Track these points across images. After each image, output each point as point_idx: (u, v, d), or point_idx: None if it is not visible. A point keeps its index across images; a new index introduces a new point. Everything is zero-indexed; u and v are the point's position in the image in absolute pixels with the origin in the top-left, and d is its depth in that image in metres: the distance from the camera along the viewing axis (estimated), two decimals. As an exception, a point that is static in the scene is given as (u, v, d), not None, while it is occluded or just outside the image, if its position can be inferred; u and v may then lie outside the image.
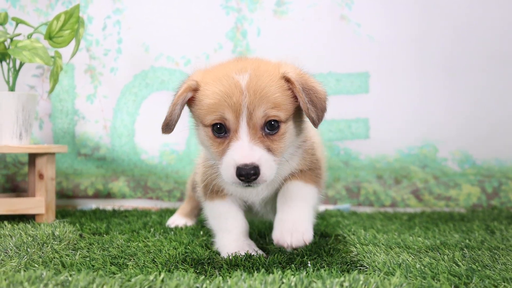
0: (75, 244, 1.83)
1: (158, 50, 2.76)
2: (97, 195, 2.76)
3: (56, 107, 2.73)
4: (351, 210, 2.74)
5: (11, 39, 2.30)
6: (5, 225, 2.05)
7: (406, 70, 2.77)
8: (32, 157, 2.39)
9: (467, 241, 1.87)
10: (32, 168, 2.41)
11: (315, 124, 1.51)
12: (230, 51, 2.76)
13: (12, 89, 2.34)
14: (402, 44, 2.77)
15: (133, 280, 1.29)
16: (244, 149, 1.44)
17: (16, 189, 2.73)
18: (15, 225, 2.07)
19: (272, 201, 1.73)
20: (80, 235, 1.99)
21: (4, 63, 2.40)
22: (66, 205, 2.75)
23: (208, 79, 1.54)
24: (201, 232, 2.03)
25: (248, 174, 1.40)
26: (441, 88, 2.77)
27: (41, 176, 2.30)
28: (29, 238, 1.81)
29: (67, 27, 2.27)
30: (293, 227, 1.53)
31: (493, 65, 2.73)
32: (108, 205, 2.75)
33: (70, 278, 1.30)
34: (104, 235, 2.01)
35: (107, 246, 1.79)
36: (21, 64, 2.33)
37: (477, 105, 2.75)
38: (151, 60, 2.76)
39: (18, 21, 2.34)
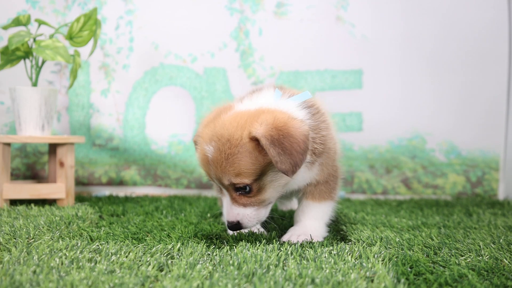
0: (96, 223, 2.07)
1: (167, 48, 3.00)
2: (110, 183, 3.00)
3: (73, 101, 2.97)
4: (345, 197, 2.99)
5: (34, 39, 2.54)
6: (32, 207, 2.30)
7: (397, 67, 3.01)
8: (53, 147, 2.64)
9: (445, 221, 2.11)
10: (52, 157, 2.65)
11: (288, 174, 1.51)
12: (233, 50, 3.00)
13: (35, 84, 2.58)
14: (393, 42, 3.01)
15: (154, 249, 1.54)
16: (227, 208, 1.65)
17: (35, 176, 2.97)
18: (41, 207, 2.31)
19: (287, 196, 1.92)
20: (100, 216, 2.23)
21: (27, 61, 2.63)
22: (82, 192, 2.99)
23: (199, 141, 1.68)
24: (208, 215, 2.28)
25: (232, 227, 1.63)
26: (429, 83, 3.01)
27: (61, 164, 2.54)
28: (57, 217, 2.05)
29: (86, 28, 2.51)
30: (302, 232, 1.77)
31: (476, 62, 2.97)
32: (120, 192, 2.99)
33: (100, 247, 1.55)
34: (121, 216, 2.26)
35: (125, 224, 2.03)
36: (43, 62, 2.57)
37: (462, 100, 2.99)
38: (160, 58, 2.99)
39: (41, 22, 2.58)
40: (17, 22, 2.56)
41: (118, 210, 2.35)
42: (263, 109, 1.63)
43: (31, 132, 2.53)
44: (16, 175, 2.91)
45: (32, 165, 2.95)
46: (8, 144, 2.47)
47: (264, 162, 1.56)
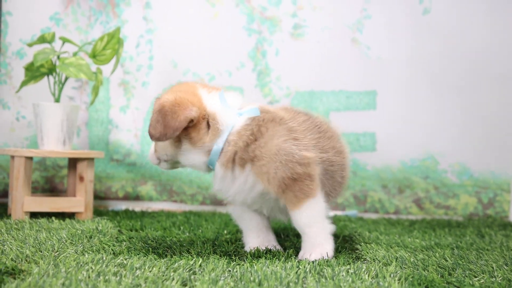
0: (116, 237, 2.13)
1: (186, 67, 3.07)
2: (127, 197, 3.06)
3: (92, 116, 3.04)
4: (358, 216, 3.03)
5: (58, 56, 2.61)
6: (53, 220, 2.36)
7: (410, 88, 3.07)
8: (73, 161, 2.70)
9: (458, 242, 2.16)
10: (72, 171, 2.71)
11: (152, 138, 1.79)
12: (251, 70, 3.06)
13: (57, 100, 2.65)
14: (406, 63, 3.06)
15: (176, 264, 1.59)
16: None
17: (54, 189, 3.03)
18: (61, 221, 2.37)
19: (278, 209, 1.94)
20: (119, 231, 2.29)
21: (50, 77, 2.71)
22: (99, 206, 3.05)
23: None
24: (225, 231, 2.33)
25: None
26: (442, 105, 3.06)
27: (81, 179, 2.60)
28: (78, 231, 2.11)
29: (109, 47, 2.59)
30: (312, 248, 1.82)
31: (490, 84, 3.03)
32: (136, 206, 3.05)
33: (125, 261, 1.60)
34: (140, 231, 2.31)
35: (145, 239, 2.09)
36: (66, 78, 2.64)
37: (475, 122, 3.04)
38: (179, 75, 3.06)
39: (65, 40, 2.66)
40: (42, 39, 2.64)
41: (137, 225, 2.40)
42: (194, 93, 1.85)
43: (53, 147, 2.60)
44: (34, 188, 2.97)
45: (51, 178, 3.02)
46: (30, 158, 2.54)
47: None
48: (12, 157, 2.58)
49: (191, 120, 1.78)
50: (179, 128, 1.76)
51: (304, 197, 1.78)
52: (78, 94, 3.04)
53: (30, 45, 2.68)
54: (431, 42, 3.05)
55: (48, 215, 2.62)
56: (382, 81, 3.08)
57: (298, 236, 2.19)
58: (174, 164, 1.92)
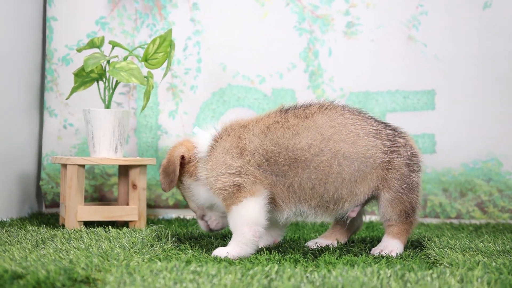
0: (177, 245, 2.15)
1: (235, 69, 3.09)
2: (177, 205, 3.09)
3: (141, 122, 3.08)
4: (419, 221, 3.02)
5: (108, 61, 2.65)
6: (110, 229, 2.39)
7: (470, 87, 3.05)
8: (124, 169, 2.74)
9: (534, 247, 2.14)
10: (123, 178, 2.75)
11: (164, 190, 2.17)
12: (302, 71, 3.08)
13: (108, 106, 2.69)
14: (467, 62, 3.05)
15: (251, 271, 1.61)
16: None
17: (103, 198, 3.07)
18: (118, 230, 2.40)
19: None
20: (178, 239, 2.31)
21: (100, 83, 2.75)
22: (149, 214, 3.08)
23: None
24: (286, 238, 2.35)
25: None
26: (504, 104, 3.04)
27: (134, 186, 2.63)
28: (138, 239, 2.14)
29: (161, 50, 2.62)
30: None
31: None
32: (187, 214, 3.08)
33: (198, 269, 1.62)
34: (200, 239, 2.34)
35: (208, 247, 2.11)
36: (116, 84, 2.68)
37: (540, 121, 3.02)
38: (228, 79, 3.09)
39: (115, 44, 2.70)
40: (91, 44, 2.68)
41: (195, 233, 2.42)
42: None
43: (105, 154, 2.64)
44: (84, 197, 3.01)
45: (100, 186, 3.06)
46: (83, 166, 2.58)
47: None
48: (64, 165, 2.63)
49: (183, 157, 2.12)
50: (176, 168, 2.11)
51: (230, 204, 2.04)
52: (126, 99, 3.09)
53: (79, 50, 2.73)
54: (493, 39, 3.04)
55: (99, 224, 2.65)
56: (440, 80, 3.07)
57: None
58: (212, 213, 2.21)
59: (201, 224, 2.23)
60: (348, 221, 2.17)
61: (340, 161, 2.01)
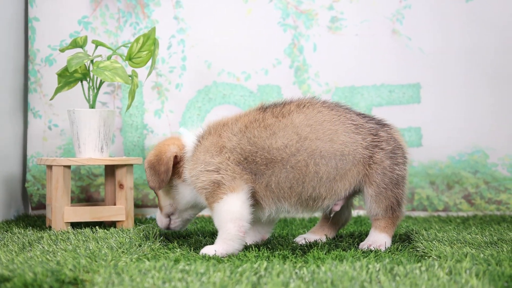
0: (165, 244, 2.15)
1: (220, 67, 3.09)
2: (165, 204, 3.08)
3: (126, 122, 3.07)
4: (406, 214, 3.03)
5: (92, 61, 2.64)
6: (97, 230, 2.38)
7: (456, 80, 3.07)
8: (111, 169, 2.73)
9: (522, 237, 2.16)
10: (110, 178, 2.74)
11: (154, 189, 2.16)
12: (288, 67, 3.08)
13: (92, 106, 2.68)
14: (451, 55, 3.07)
15: (240, 268, 1.61)
16: None
17: (89, 199, 3.06)
18: (105, 230, 2.40)
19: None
20: (166, 237, 2.31)
21: (84, 83, 2.73)
22: (136, 214, 3.08)
23: None
24: (274, 234, 2.35)
25: None
26: (490, 97, 3.06)
27: (121, 186, 2.63)
28: (126, 239, 2.14)
29: (145, 49, 2.61)
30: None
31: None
32: (175, 213, 3.07)
33: (187, 267, 1.62)
34: (187, 237, 2.33)
35: (196, 246, 2.11)
36: (101, 83, 2.67)
37: (525, 112, 3.04)
38: (213, 76, 3.08)
39: (98, 44, 2.68)
40: (74, 44, 2.67)
41: (183, 231, 2.42)
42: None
43: (91, 154, 2.63)
44: (70, 198, 3.00)
45: (86, 187, 3.05)
46: (68, 167, 2.57)
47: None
48: (49, 167, 2.61)
49: (176, 156, 2.11)
50: (169, 168, 2.09)
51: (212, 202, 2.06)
52: (111, 99, 3.08)
53: (62, 50, 2.72)
54: (477, 32, 3.06)
55: (86, 224, 2.64)
56: (425, 74, 3.08)
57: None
58: (182, 214, 2.22)
59: (163, 220, 2.22)
60: (331, 215, 2.18)
61: (316, 160, 2.00)
